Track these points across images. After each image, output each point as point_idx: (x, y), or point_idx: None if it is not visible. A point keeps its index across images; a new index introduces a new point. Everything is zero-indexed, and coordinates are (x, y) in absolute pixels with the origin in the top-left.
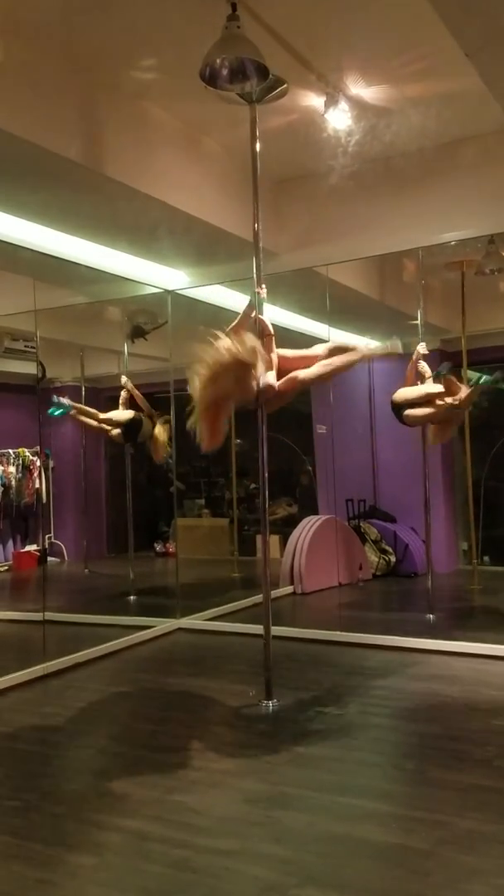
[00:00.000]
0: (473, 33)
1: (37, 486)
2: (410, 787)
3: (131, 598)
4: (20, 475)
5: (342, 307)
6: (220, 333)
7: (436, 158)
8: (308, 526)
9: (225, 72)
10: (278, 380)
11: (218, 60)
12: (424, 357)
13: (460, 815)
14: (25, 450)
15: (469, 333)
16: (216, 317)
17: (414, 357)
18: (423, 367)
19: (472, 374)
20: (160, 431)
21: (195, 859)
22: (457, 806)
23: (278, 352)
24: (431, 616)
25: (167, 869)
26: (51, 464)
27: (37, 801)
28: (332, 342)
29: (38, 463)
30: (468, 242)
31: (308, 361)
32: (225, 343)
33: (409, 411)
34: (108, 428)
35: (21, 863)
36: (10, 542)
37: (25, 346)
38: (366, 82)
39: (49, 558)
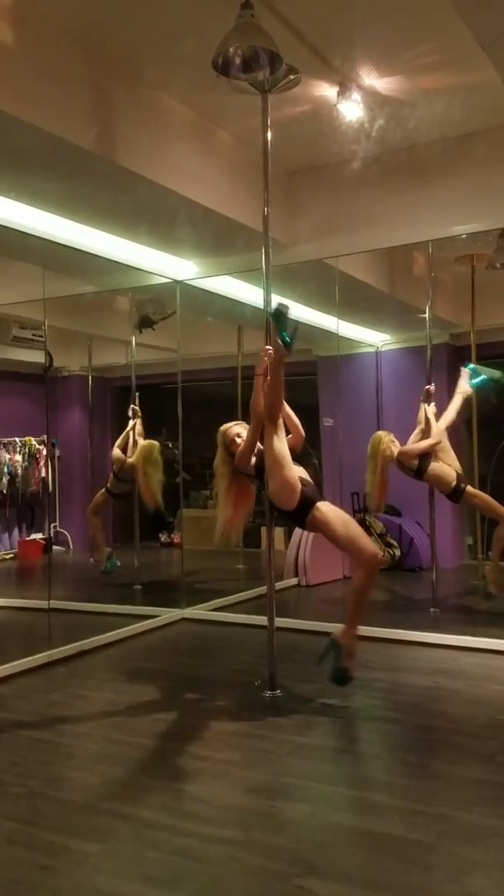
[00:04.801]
0: (489, 25)
1: (43, 474)
2: (413, 780)
3: (136, 587)
4: (26, 464)
5: (351, 299)
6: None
7: (448, 151)
8: None
9: (238, 61)
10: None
11: (231, 49)
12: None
13: (463, 809)
14: (32, 438)
15: (478, 328)
16: (225, 308)
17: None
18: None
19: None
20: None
21: (199, 848)
22: (459, 800)
23: None
24: (436, 610)
25: (171, 857)
26: (57, 453)
27: (41, 787)
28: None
29: (44, 452)
30: (479, 236)
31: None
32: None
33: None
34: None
35: (25, 849)
36: (16, 531)
37: (33, 335)
38: (379, 73)
39: (54, 547)
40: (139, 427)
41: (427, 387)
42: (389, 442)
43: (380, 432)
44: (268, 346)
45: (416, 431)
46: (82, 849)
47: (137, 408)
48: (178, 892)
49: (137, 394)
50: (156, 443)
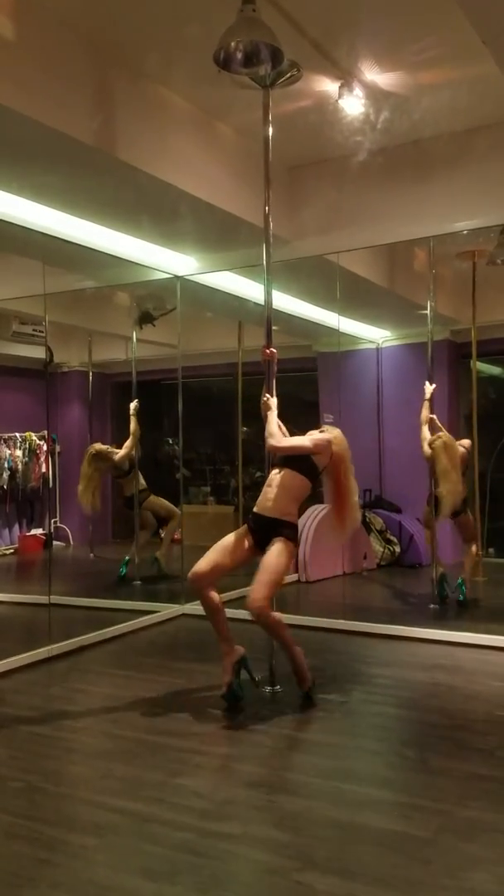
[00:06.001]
0: (491, 19)
1: (43, 470)
2: (412, 774)
3: (136, 582)
4: (27, 459)
5: (352, 295)
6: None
7: (449, 146)
8: (313, 515)
9: (239, 55)
10: None
11: (232, 44)
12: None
13: (461, 804)
14: (32, 434)
15: (479, 324)
16: (225, 303)
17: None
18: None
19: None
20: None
21: (197, 842)
22: (458, 794)
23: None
24: (436, 606)
25: (169, 851)
26: (57, 448)
27: (40, 782)
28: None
29: (44, 447)
30: (480, 232)
31: None
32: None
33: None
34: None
35: (24, 843)
36: (17, 526)
37: (34, 331)
38: (380, 68)
39: (54, 542)
40: (132, 426)
41: (432, 386)
42: None
43: (445, 434)
44: (266, 346)
45: (426, 430)
46: (81, 843)
47: (131, 408)
48: (176, 885)
49: (136, 401)
50: (92, 447)
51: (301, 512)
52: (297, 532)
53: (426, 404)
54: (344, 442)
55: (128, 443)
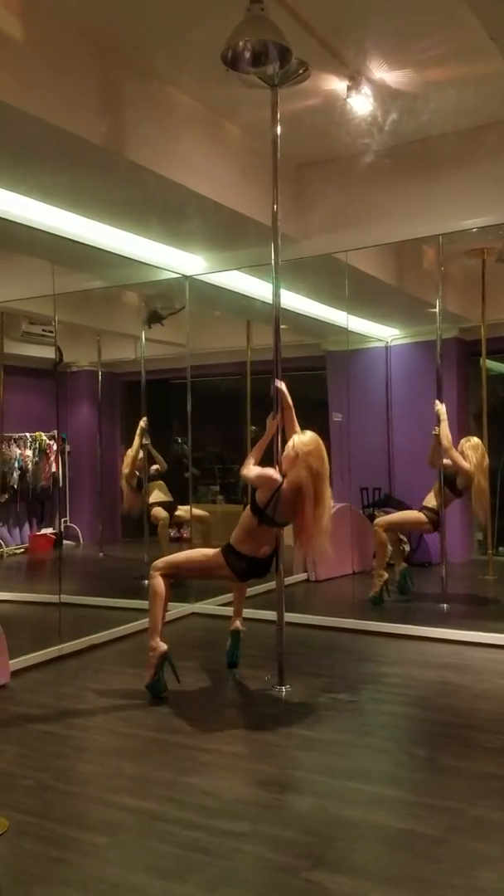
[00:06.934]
0: (499, 16)
1: (53, 469)
2: (421, 773)
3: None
4: (37, 459)
5: (361, 294)
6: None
7: (458, 144)
8: None
9: (247, 55)
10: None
11: (240, 43)
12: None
13: (470, 803)
14: (42, 433)
15: (488, 322)
16: (234, 303)
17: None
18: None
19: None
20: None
21: (206, 840)
22: (467, 793)
23: None
24: (445, 605)
25: (179, 849)
26: (67, 448)
27: (51, 780)
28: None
29: (54, 447)
30: (489, 229)
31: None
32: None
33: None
34: None
35: (35, 841)
36: (27, 525)
37: (43, 331)
38: (388, 66)
39: (64, 541)
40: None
41: (442, 405)
42: None
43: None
44: (278, 381)
45: (455, 452)
46: (92, 841)
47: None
48: (186, 884)
49: (145, 418)
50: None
51: None
52: (241, 562)
53: (445, 424)
54: (312, 468)
55: (128, 462)
